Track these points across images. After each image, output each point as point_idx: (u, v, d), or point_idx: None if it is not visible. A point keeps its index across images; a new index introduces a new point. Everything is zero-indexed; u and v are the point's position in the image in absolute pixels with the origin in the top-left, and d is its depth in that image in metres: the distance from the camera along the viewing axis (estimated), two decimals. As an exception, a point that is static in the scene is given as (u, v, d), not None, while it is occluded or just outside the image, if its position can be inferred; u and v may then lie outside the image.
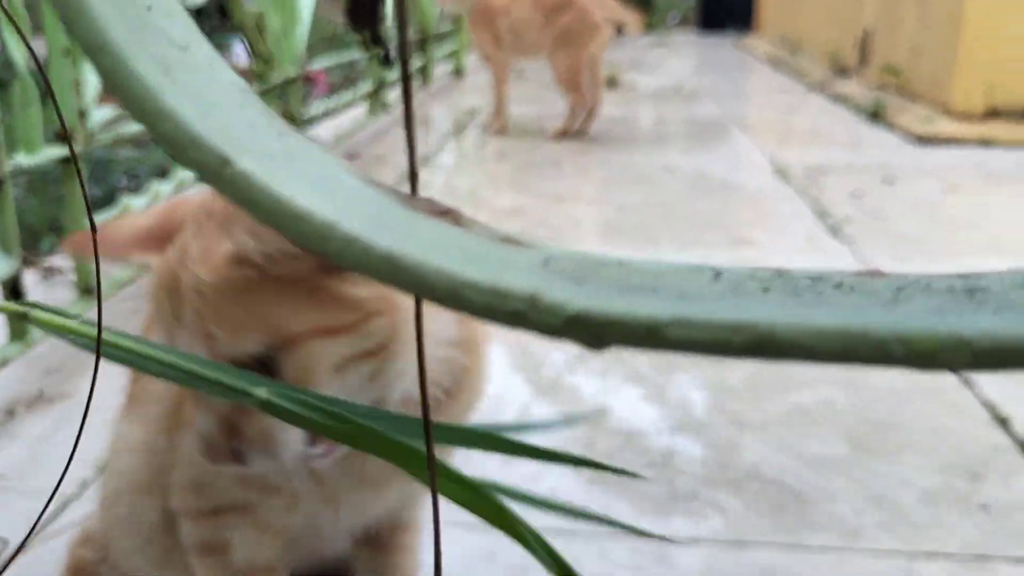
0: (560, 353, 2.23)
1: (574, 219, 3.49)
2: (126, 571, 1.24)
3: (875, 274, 0.28)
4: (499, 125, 5.34)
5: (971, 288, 0.26)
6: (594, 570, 1.44)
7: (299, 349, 0.76)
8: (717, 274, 0.28)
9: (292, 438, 0.79)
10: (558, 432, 1.84)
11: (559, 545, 1.47)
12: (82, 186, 0.94)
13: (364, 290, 0.78)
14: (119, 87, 0.32)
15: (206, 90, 0.33)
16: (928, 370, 0.26)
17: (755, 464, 1.75)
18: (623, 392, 2.05)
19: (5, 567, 1.45)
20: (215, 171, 0.31)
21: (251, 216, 0.32)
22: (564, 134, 5.10)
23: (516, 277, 0.27)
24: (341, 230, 0.29)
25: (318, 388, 0.77)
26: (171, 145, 0.31)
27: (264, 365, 0.76)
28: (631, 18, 5.05)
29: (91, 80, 2.15)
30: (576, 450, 1.81)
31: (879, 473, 1.72)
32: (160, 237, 0.81)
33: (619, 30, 5.06)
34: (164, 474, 1.04)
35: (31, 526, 1.54)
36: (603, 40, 4.97)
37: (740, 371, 2.14)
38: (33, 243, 3.12)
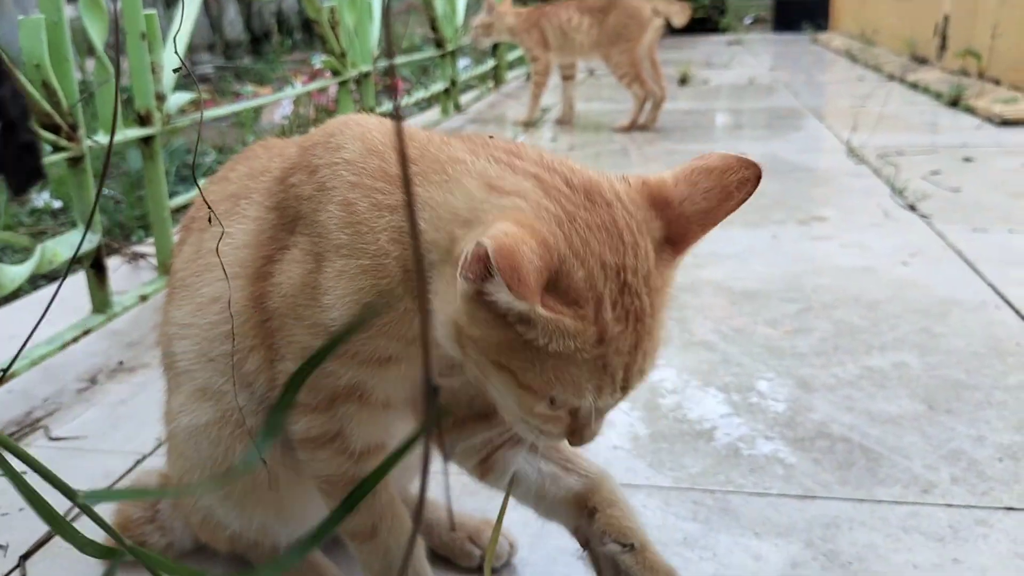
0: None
1: (642, 203, 3.47)
2: (190, 514, 1.27)
3: None
4: (527, 120, 5.46)
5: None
6: (657, 521, 1.43)
7: None
8: None
9: None
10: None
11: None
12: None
13: None
14: None
15: None
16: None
17: (823, 423, 1.72)
18: (695, 358, 2.03)
19: (80, 514, 1.52)
20: None
21: None
22: (631, 126, 5.11)
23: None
24: None
25: None
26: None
27: None
28: (676, 9, 5.04)
29: (169, 64, 2.23)
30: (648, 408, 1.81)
31: (954, 431, 1.67)
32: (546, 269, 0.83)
33: (667, 22, 5.06)
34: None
35: (107, 481, 1.61)
36: (654, 32, 5.02)
37: (811, 338, 2.10)
38: (126, 237, 3.27)
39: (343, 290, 0.94)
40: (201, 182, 2.50)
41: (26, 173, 0.47)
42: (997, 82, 5.70)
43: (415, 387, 1.06)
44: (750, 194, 0.91)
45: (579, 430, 0.92)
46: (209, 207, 1.09)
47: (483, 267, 0.77)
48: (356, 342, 0.96)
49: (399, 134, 0.42)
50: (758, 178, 0.90)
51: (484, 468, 1.17)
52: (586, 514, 1.11)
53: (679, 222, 0.90)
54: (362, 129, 1.00)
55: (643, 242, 0.87)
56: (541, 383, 0.85)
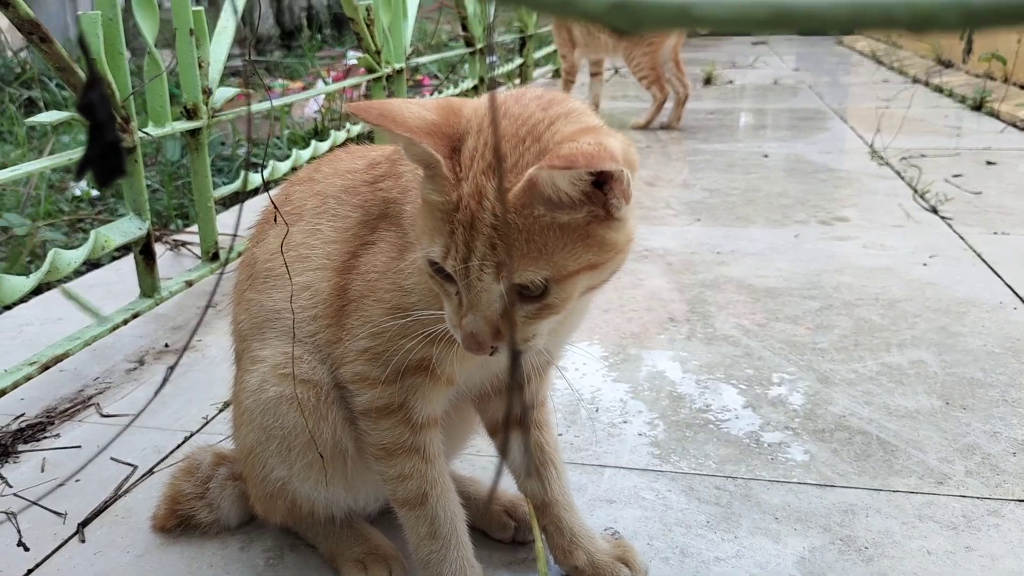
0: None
1: (664, 200, 3.54)
2: (259, 485, 1.32)
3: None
4: None
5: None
6: (680, 504, 1.50)
7: (569, 280, 0.94)
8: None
9: (539, 340, 1.00)
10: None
11: (647, 482, 1.55)
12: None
13: (618, 235, 0.96)
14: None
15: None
16: (926, 31, 0.31)
17: (842, 416, 1.78)
18: (718, 351, 2.10)
19: (133, 486, 1.61)
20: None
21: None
22: (646, 125, 5.18)
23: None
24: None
25: (568, 307, 0.98)
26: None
27: (530, 289, 0.94)
28: None
29: (216, 60, 2.32)
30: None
31: (970, 426, 1.73)
32: (442, 134, 0.95)
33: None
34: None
35: (157, 456, 1.70)
36: (678, 35, 5.07)
37: (831, 334, 2.16)
38: (164, 226, 3.36)
39: (419, 275, 1.05)
40: (243, 173, 2.56)
41: (110, 169, 0.54)
42: (1022, 87, 5.71)
43: (476, 367, 1.16)
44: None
45: (463, 315, 0.96)
46: (277, 209, 1.20)
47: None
48: (431, 321, 1.05)
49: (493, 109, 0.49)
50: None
51: (492, 434, 1.38)
52: (542, 526, 1.30)
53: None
54: None
55: (530, 154, 0.93)
56: (417, 231, 0.97)
